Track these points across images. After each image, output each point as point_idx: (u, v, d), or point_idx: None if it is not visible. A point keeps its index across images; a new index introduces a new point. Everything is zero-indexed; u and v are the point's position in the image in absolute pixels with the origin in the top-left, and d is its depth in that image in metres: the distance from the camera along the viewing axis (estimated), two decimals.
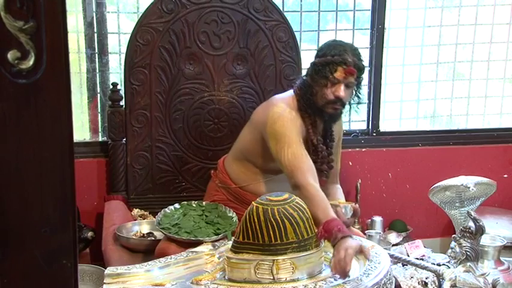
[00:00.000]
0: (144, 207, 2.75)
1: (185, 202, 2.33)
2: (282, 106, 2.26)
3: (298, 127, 2.23)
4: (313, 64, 2.26)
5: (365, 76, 3.19)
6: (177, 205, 2.30)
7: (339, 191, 2.47)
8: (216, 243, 2.04)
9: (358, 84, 2.26)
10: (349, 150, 3.22)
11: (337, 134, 2.45)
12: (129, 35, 2.72)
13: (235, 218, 2.23)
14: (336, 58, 2.18)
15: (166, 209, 2.28)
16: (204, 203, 2.35)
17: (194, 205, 2.32)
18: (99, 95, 3.00)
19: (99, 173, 2.90)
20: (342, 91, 2.18)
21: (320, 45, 2.35)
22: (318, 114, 2.27)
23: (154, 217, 2.33)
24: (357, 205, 2.28)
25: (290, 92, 2.34)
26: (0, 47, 0.83)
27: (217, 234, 2.12)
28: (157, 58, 2.71)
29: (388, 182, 3.28)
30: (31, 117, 0.87)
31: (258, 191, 2.33)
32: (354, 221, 2.27)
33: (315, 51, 2.31)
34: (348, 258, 1.71)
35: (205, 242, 2.07)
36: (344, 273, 1.72)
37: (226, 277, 1.81)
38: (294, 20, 3.04)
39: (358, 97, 2.29)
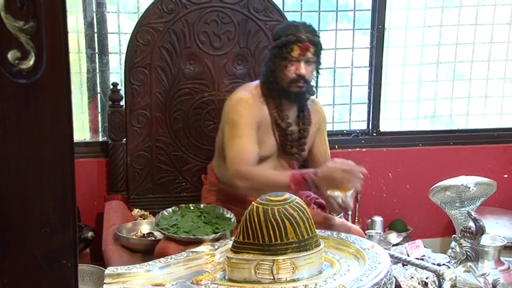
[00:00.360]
0: (144, 207, 2.75)
1: (183, 205, 2.34)
2: (242, 93, 2.33)
3: (257, 113, 2.28)
4: (271, 48, 2.34)
5: (365, 76, 3.23)
6: (175, 207, 2.31)
7: None
8: (216, 243, 2.04)
9: (318, 60, 2.31)
10: (349, 150, 3.22)
11: (316, 121, 2.45)
12: (130, 35, 2.72)
13: (233, 219, 2.24)
14: (290, 37, 2.24)
15: (164, 212, 2.29)
16: (201, 205, 2.35)
17: (192, 207, 2.33)
18: (99, 95, 3.00)
19: (100, 173, 2.90)
20: (302, 68, 2.24)
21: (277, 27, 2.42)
22: (284, 96, 2.31)
23: (155, 217, 2.34)
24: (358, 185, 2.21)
25: (256, 81, 2.40)
26: (1, 47, 0.83)
27: (216, 233, 2.12)
28: (157, 58, 2.71)
29: (389, 182, 3.28)
30: (31, 117, 0.87)
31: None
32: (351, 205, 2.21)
33: (276, 34, 2.36)
34: (341, 171, 1.97)
35: (205, 241, 2.07)
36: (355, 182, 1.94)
37: (226, 277, 1.81)
38: (294, 20, 3.04)
39: (318, 72, 2.34)
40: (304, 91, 2.30)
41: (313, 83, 2.36)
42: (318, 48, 2.28)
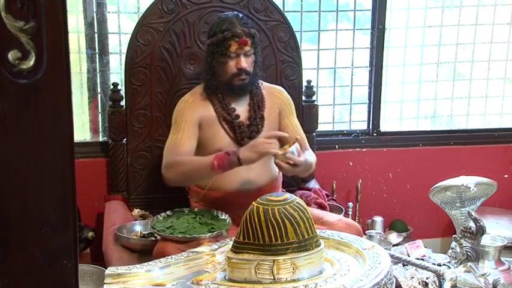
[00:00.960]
0: (145, 207, 2.75)
1: (177, 209, 2.35)
2: (186, 96, 2.40)
3: (198, 111, 2.32)
4: (208, 45, 2.35)
5: (365, 76, 3.23)
6: (169, 212, 2.32)
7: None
8: (216, 243, 2.04)
9: (256, 50, 2.33)
10: (350, 150, 3.22)
11: (275, 106, 2.44)
12: (130, 35, 2.72)
13: (228, 219, 2.24)
14: (226, 34, 2.26)
15: (158, 216, 2.30)
16: (195, 209, 2.35)
17: (186, 211, 2.34)
18: (99, 95, 3.00)
19: (100, 173, 2.90)
20: (242, 62, 2.27)
21: (211, 23, 2.42)
22: (228, 90, 2.33)
23: (155, 217, 2.34)
24: (298, 137, 2.18)
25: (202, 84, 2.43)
26: (1, 47, 0.83)
27: (212, 232, 2.13)
28: (157, 58, 2.71)
29: (389, 182, 3.28)
30: (31, 118, 0.87)
31: (220, 185, 2.32)
32: (303, 154, 2.16)
33: (210, 30, 2.35)
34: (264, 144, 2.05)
35: (202, 240, 2.07)
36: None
37: (226, 277, 1.81)
38: (295, 20, 3.04)
39: (257, 63, 2.34)
40: (247, 83, 2.32)
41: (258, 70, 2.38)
42: (255, 39, 2.31)
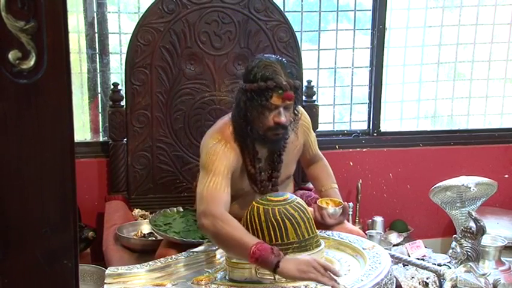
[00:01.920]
0: (145, 207, 2.75)
1: (188, 207, 2.35)
2: (217, 138, 2.09)
3: (231, 159, 2.06)
4: (245, 90, 2.04)
5: (366, 76, 3.23)
6: (180, 208, 2.32)
7: (325, 170, 2.38)
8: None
9: (296, 102, 2.08)
10: (350, 150, 3.22)
11: (301, 136, 2.27)
12: (130, 35, 2.72)
13: None
14: (269, 83, 1.97)
15: (167, 210, 2.29)
16: None
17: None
18: (100, 95, 3.00)
19: (100, 173, 2.90)
20: (282, 117, 2.00)
21: (250, 65, 2.08)
22: (259, 141, 2.10)
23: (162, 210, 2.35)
24: (346, 203, 2.17)
25: (227, 119, 2.17)
26: (1, 47, 0.83)
27: (203, 239, 2.10)
28: (158, 58, 2.71)
29: (389, 182, 3.28)
30: (32, 118, 0.87)
31: (235, 213, 2.09)
32: (344, 220, 2.18)
33: (249, 74, 2.05)
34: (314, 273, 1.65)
35: (189, 245, 2.06)
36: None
37: (227, 277, 1.81)
38: (295, 20, 3.04)
39: (295, 114, 2.12)
40: (281, 137, 2.09)
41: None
42: (297, 91, 2.06)
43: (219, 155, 2.04)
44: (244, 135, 2.08)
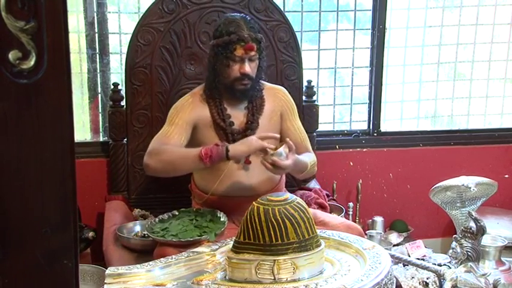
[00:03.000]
0: (145, 207, 2.74)
1: (183, 209, 2.35)
2: (186, 96, 2.37)
3: (195, 112, 2.29)
4: (212, 46, 2.28)
5: (366, 76, 3.23)
6: (175, 212, 2.32)
7: (306, 154, 2.38)
8: (217, 243, 2.04)
9: (261, 55, 2.28)
10: (350, 150, 3.22)
11: (277, 108, 2.39)
12: (130, 35, 2.72)
13: (224, 223, 2.21)
14: (232, 37, 2.20)
15: (163, 216, 2.29)
16: (202, 209, 2.34)
17: (190, 211, 2.34)
18: (100, 95, 3.00)
19: (100, 173, 2.90)
20: (246, 67, 2.22)
21: (218, 23, 2.35)
22: (228, 93, 2.29)
23: (156, 217, 2.34)
24: (288, 141, 2.15)
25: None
26: (2, 47, 0.83)
27: (199, 237, 2.11)
28: (158, 58, 2.71)
29: (389, 182, 3.28)
30: (32, 118, 0.87)
31: (221, 191, 2.30)
32: (295, 157, 2.16)
33: (216, 30, 2.29)
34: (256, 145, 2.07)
35: (188, 244, 2.06)
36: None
37: (227, 277, 1.81)
38: (295, 20, 3.04)
39: (261, 68, 2.30)
40: (248, 88, 2.27)
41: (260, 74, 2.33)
42: (261, 44, 2.26)
43: (178, 109, 2.31)
44: (213, 88, 2.30)
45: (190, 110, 2.30)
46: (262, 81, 2.45)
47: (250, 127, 2.31)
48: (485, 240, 2.50)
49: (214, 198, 2.34)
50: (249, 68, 2.23)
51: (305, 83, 2.91)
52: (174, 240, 2.11)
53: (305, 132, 2.47)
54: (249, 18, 2.31)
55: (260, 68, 2.30)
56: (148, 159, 2.21)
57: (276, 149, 2.11)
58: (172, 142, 2.23)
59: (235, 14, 2.39)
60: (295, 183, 2.86)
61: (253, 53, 2.22)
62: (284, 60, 2.82)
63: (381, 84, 3.22)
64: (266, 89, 2.42)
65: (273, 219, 1.74)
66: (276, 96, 2.42)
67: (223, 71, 2.24)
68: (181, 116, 2.28)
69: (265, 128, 2.34)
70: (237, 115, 2.33)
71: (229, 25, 2.23)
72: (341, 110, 3.31)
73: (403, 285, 2.57)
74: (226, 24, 2.24)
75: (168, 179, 2.81)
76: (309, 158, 2.35)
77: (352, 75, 3.26)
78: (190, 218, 2.27)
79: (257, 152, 2.13)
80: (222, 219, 2.24)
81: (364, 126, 3.29)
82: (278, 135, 2.23)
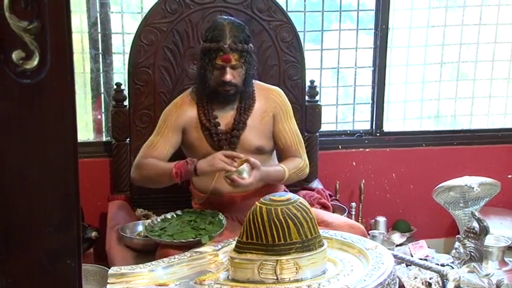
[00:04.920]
0: (148, 207, 2.75)
1: (187, 209, 2.36)
2: (176, 99, 2.42)
3: (183, 116, 2.33)
4: (200, 49, 2.33)
5: (369, 76, 3.22)
6: (179, 211, 2.32)
7: (292, 160, 2.39)
8: (219, 243, 2.04)
9: (247, 60, 2.26)
10: (353, 150, 3.21)
11: (269, 109, 2.38)
12: (133, 35, 2.72)
13: (223, 225, 2.21)
14: (213, 45, 2.22)
15: (167, 215, 2.30)
16: (205, 211, 2.33)
17: (191, 212, 2.33)
18: (102, 95, 3.01)
19: (103, 173, 2.90)
20: (227, 74, 2.22)
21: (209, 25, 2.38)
22: (214, 96, 2.31)
23: (159, 216, 2.34)
24: (249, 159, 2.17)
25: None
26: (5, 47, 0.83)
27: (195, 238, 2.11)
28: (161, 58, 2.71)
29: (392, 182, 3.28)
30: (35, 117, 0.87)
31: (219, 189, 2.31)
32: (258, 174, 2.19)
33: (203, 35, 2.33)
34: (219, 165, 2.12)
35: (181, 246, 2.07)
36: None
37: (229, 277, 1.81)
38: (298, 20, 3.04)
39: (249, 74, 2.28)
40: (232, 93, 2.29)
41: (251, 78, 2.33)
42: (243, 53, 2.24)
43: (165, 115, 2.37)
44: (200, 91, 2.33)
45: (177, 115, 2.34)
46: (258, 82, 2.45)
47: (236, 127, 2.32)
48: (489, 240, 2.50)
49: (213, 198, 2.35)
50: (230, 76, 2.23)
51: (308, 83, 2.91)
52: (167, 240, 2.12)
53: (299, 135, 2.46)
54: (237, 24, 2.29)
55: (248, 73, 2.29)
56: (133, 173, 2.35)
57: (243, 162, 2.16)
58: (155, 154, 2.30)
59: (225, 18, 2.36)
60: (298, 183, 2.85)
61: (234, 62, 2.22)
62: (287, 60, 2.82)
63: (384, 84, 3.22)
64: (259, 89, 2.41)
65: (275, 219, 1.74)
66: (269, 97, 2.41)
67: (207, 75, 2.27)
68: (168, 124, 2.34)
69: (254, 129, 2.35)
70: (225, 116, 2.35)
71: (214, 32, 2.24)
72: (344, 110, 3.31)
73: (405, 286, 2.56)
74: (212, 31, 2.25)
75: None
76: (290, 165, 2.35)
77: (355, 75, 3.25)
78: (190, 219, 2.27)
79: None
80: (222, 223, 2.23)
81: (367, 126, 3.28)
82: (243, 156, 2.18)
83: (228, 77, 2.22)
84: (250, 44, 2.29)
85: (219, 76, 2.24)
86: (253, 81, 2.40)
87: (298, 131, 2.47)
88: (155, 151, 2.31)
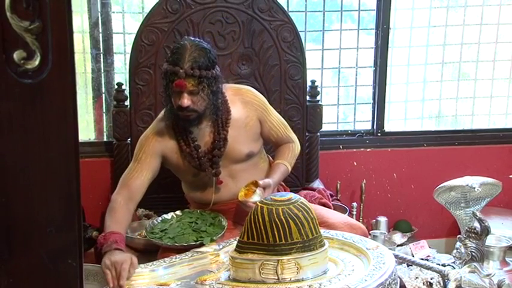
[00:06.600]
0: (149, 207, 2.74)
1: (187, 210, 2.36)
2: (152, 125, 2.32)
3: (156, 145, 2.22)
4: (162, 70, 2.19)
5: (370, 76, 3.22)
6: (178, 212, 2.32)
7: (286, 148, 2.40)
8: (221, 243, 2.04)
9: (209, 83, 2.10)
10: (354, 150, 3.21)
11: (253, 113, 2.29)
12: (134, 35, 2.72)
13: (223, 228, 2.21)
14: (169, 68, 2.09)
15: (167, 215, 2.29)
16: (205, 212, 2.33)
17: (193, 212, 2.33)
18: (104, 95, 3.01)
19: (104, 172, 2.90)
20: (183, 99, 2.08)
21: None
22: (180, 120, 2.19)
23: (159, 217, 2.34)
24: (263, 182, 2.17)
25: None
26: (7, 47, 0.84)
27: (195, 242, 2.11)
28: (162, 58, 2.71)
29: (393, 182, 3.28)
30: (37, 117, 0.87)
31: (214, 199, 2.29)
32: (271, 189, 2.19)
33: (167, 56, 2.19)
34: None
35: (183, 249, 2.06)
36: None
37: (230, 277, 1.81)
38: (299, 20, 3.04)
39: (212, 96, 2.14)
40: (192, 119, 2.16)
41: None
42: (202, 79, 2.08)
43: (142, 143, 2.25)
44: (170, 115, 2.20)
45: (154, 141, 2.24)
46: (227, 85, 2.34)
47: (216, 146, 2.23)
48: (490, 240, 2.50)
49: (215, 206, 2.33)
50: (187, 101, 2.09)
51: (309, 83, 2.91)
52: (169, 244, 2.11)
53: (283, 119, 2.44)
54: (200, 47, 2.11)
55: (211, 95, 2.14)
56: (110, 202, 2.21)
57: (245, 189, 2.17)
58: (132, 182, 2.20)
59: (192, 39, 2.19)
60: (299, 183, 2.86)
61: (191, 87, 2.08)
62: (288, 60, 2.82)
63: (385, 84, 3.22)
64: (232, 94, 2.29)
65: (276, 219, 1.74)
66: (246, 101, 2.30)
67: (169, 98, 2.17)
68: (145, 150, 2.22)
69: (240, 137, 2.26)
70: (203, 134, 2.25)
71: (173, 54, 2.10)
72: (345, 110, 3.31)
73: (407, 286, 2.56)
74: (173, 53, 2.11)
75: (171, 179, 2.81)
76: (288, 157, 2.38)
77: (356, 75, 3.25)
78: (191, 220, 2.26)
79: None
80: (222, 224, 2.23)
81: (368, 126, 3.28)
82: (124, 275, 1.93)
83: (185, 101, 2.08)
84: (213, 70, 2.12)
85: (175, 101, 2.12)
86: (224, 85, 2.27)
87: (279, 115, 2.45)
88: (132, 180, 2.20)
